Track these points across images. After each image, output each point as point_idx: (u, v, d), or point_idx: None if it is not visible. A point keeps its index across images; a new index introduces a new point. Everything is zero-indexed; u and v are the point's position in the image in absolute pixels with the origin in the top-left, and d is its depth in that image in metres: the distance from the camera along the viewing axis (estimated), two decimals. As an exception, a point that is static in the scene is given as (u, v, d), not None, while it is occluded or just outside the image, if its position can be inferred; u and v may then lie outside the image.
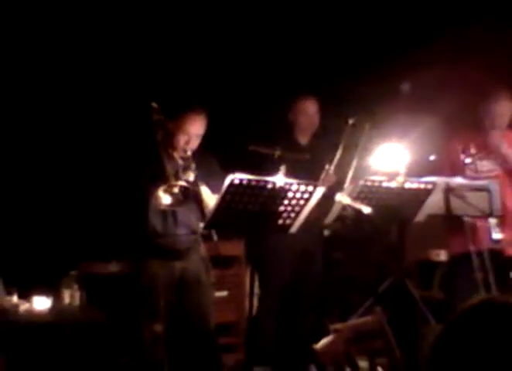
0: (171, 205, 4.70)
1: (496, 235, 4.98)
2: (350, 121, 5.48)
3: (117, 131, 5.88)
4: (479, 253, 5.16)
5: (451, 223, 5.33)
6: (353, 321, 4.27)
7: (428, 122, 5.74)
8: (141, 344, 4.91)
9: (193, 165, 4.82)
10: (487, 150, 5.38)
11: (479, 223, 5.20)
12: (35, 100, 5.82)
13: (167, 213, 4.87)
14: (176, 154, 4.93)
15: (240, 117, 6.31)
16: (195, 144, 4.94)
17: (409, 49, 6.26)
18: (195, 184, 4.79)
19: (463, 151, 5.36)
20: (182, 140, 4.90)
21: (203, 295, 5.06)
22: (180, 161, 4.91)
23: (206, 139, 4.96)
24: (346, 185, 5.20)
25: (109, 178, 5.22)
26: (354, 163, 5.39)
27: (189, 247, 4.98)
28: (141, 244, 4.96)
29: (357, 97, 6.23)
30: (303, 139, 5.82)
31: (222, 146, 5.25)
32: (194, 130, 4.92)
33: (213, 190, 4.82)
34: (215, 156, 5.10)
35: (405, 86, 6.36)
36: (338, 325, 3.92)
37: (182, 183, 4.67)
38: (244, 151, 5.15)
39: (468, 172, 5.35)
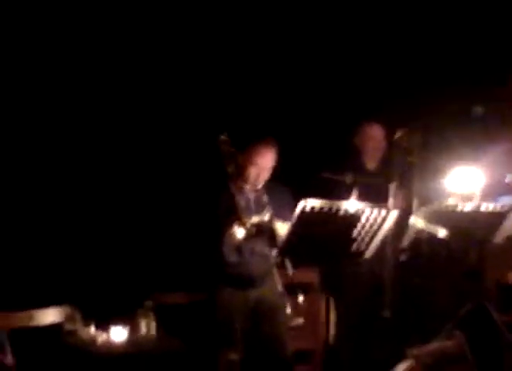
0: (244, 239, 4.73)
1: None
2: (398, 134, 5.41)
3: (189, 162, 5.92)
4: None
5: None
6: (432, 346, 4.18)
7: (502, 143, 5.64)
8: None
9: (265, 198, 4.82)
10: None
11: None
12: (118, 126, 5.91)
13: (241, 244, 4.87)
14: (248, 187, 4.94)
15: (307, 144, 6.30)
16: (266, 176, 4.93)
17: (480, 72, 6.19)
18: (270, 222, 4.79)
19: None
20: (253, 173, 4.90)
21: (279, 323, 5.03)
22: (252, 194, 4.93)
23: (276, 167, 4.95)
24: (421, 208, 5.13)
25: (184, 210, 5.25)
26: (419, 180, 5.32)
27: (264, 276, 4.97)
28: (216, 274, 4.97)
29: (430, 120, 6.17)
30: (371, 164, 5.78)
31: (291, 174, 5.23)
32: (265, 162, 4.90)
33: (286, 220, 4.77)
34: (286, 186, 5.10)
35: (478, 109, 6.27)
36: (416, 350, 3.85)
37: (255, 219, 4.69)
38: (315, 178, 5.13)
39: None
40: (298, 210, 4.27)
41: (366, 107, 6.36)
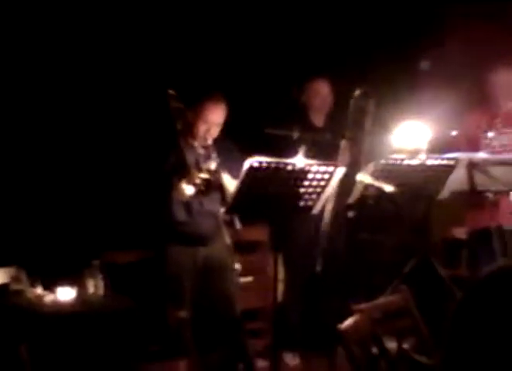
0: (194, 196, 4.69)
1: None
2: (356, 92, 5.41)
3: (136, 118, 5.85)
4: (500, 230, 5.11)
5: (471, 200, 5.28)
6: (378, 301, 4.21)
7: (448, 98, 5.68)
8: (167, 330, 4.90)
9: (214, 154, 4.79)
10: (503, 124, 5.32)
11: (502, 199, 5.15)
12: (52, 84, 5.79)
13: (190, 201, 4.85)
14: (197, 143, 4.90)
15: (254, 101, 6.26)
16: (215, 132, 4.90)
17: (429, 26, 6.20)
18: (217, 173, 4.76)
19: (488, 125, 5.31)
20: (202, 129, 4.86)
21: (228, 281, 5.04)
22: (201, 150, 4.90)
23: (225, 125, 4.91)
24: (368, 164, 5.15)
25: (131, 167, 5.20)
26: (368, 137, 5.34)
27: (213, 234, 4.96)
28: (165, 232, 4.96)
29: (377, 75, 6.18)
30: (318, 121, 5.77)
31: (238, 131, 5.20)
32: (214, 118, 4.87)
33: (235, 176, 4.78)
34: (234, 142, 5.06)
35: (425, 64, 6.30)
36: (363, 305, 3.88)
37: (204, 175, 4.65)
38: (261, 134, 5.11)
39: (484, 147, 5.29)
40: (245, 167, 4.26)
41: (314, 63, 6.35)
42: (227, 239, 4.84)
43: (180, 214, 4.88)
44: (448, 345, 1.74)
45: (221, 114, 4.89)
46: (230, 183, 4.78)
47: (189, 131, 4.89)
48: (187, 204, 4.85)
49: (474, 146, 5.26)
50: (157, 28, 6.06)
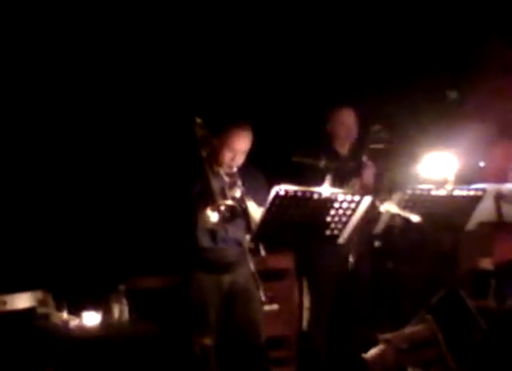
0: (218, 223, 4.70)
1: None
2: (373, 128, 5.43)
3: (164, 145, 5.89)
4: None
5: (498, 231, 5.26)
6: (404, 331, 4.20)
7: (477, 129, 5.67)
8: (191, 358, 4.90)
9: (239, 181, 4.81)
10: None
11: None
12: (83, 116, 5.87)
13: (215, 228, 4.86)
14: (222, 171, 4.92)
15: (281, 129, 6.29)
16: (240, 160, 4.92)
17: (459, 56, 6.20)
18: (241, 200, 4.78)
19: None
20: (227, 156, 4.88)
21: (253, 308, 5.03)
22: (226, 178, 4.90)
23: (251, 151, 4.93)
24: (395, 193, 5.14)
25: (157, 194, 5.23)
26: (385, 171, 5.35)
27: (237, 261, 4.96)
28: (190, 258, 4.97)
29: (405, 105, 6.19)
30: (343, 149, 5.75)
31: (265, 158, 5.22)
32: (240, 146, 4.89)
33: (260, 204, 4.79)
34: (260, 170, 5.08)
35: (453, 93, 6.29)
36: (388, 335, 3.87)
37: (228, 203, 4.67)
38: (288, 162, 5.12)
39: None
40: (271, 195, 4.28)
41: (339, 93, 6.36)
42: (252, 267, 4.84)
43: (205, 241, 4.89)
44: None
45: (247, 141, 4.90)
46: (256, 211, 4.79)
47: (215, 158, 4.91)
48: (212, 231, 4.87)
49: (502, 177, 5.24)
50: (186, 56, 6.11)
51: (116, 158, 5.93)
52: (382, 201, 4.80)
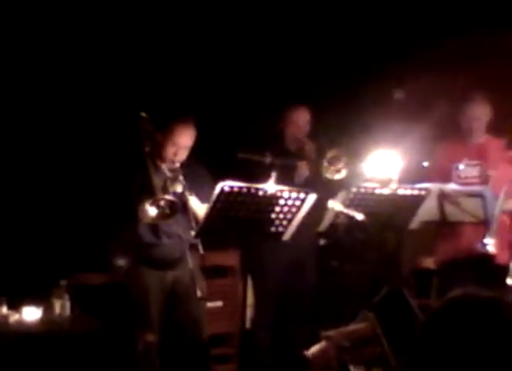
0: (157, 218, 4.65)
1: (488, 241, 4.93)
2: (328, 155, 5.45)
3: (104, 139, 5.83)
4: (469, 260, 5.14)
5: (440, 230, 5.32)
6: (346, 328, 4.22)
7: (421, 128, 5.72)
8: (133, 354, 4.87)
9: (181, 177, 4.78)
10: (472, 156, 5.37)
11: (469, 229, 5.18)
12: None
13: (158, 224, 4.82)
14: (164, 166, 4.90)
15: (229, 125, 6.28)
16: (183, 155, 4.90)
17: (403, 57, 6.25)
18: (183, 195, 4.75)
19: (459, 157, 5.36)
20: (170, 151, 4.86)
21: (195, 306, 5.01)
22: (168, 173, 4.88)
23: (195, 147, 4.91)
24: (340, 192, 5.16)
25: (99, 189, 5.18)
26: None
27: (181, 257, 4.93)
28: (132, 254, 4.93)
29: (350, 104, 6.22)
30: (292, 146, 5.76)
31: (211, 154, 5.21)
32: (183, 141, 4.87)
33: (205, 201, 4.79)
34: (205, 165, 5.06)
35: (399, 94, 6.34)
36: (330, 332, 3.88)
37: (168, 197, 4.63)
38: (233, 158, 5.11)
39: (455, 179, 5.33)
40: (216, 191, 4.26)
41: (287, 90, 6.37)
42: (191, 263, 4.80)
43: (147, 236, 4.85)
44: (409, 367, 1.75)
45: (190, 137, 4.89)
46: (199, 207, 4.78)
47: (158, 153, 4.89)
48: (154, 226, 4.83)
49: (445, 177, 5.30)
50: (133, 51, 6.06)
51: (57, 152, 5.85)
52: None
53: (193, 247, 4.77)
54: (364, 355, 4.17)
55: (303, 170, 5.48)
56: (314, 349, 3.61)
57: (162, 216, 4.62)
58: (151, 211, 4.59)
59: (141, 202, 4.62)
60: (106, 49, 5.99)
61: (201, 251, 4.65)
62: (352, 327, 4.35)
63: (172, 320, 5.00)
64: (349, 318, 5.15)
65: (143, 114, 4.83)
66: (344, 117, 6.10)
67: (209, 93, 6.27)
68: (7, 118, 5.73)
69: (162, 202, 4.60)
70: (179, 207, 4.67)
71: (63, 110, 5.88)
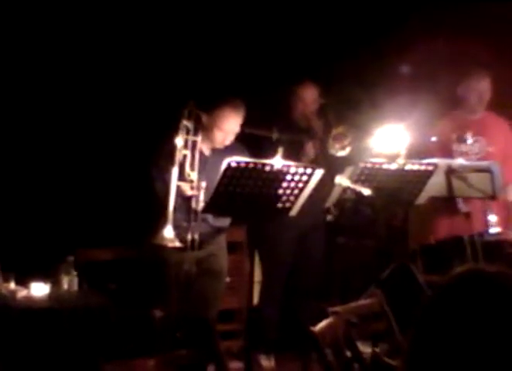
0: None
1: (494, 229, 4.95)
2: (335, 131, 5.44)
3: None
4: (471, 239, 5.15)
5: (446, 206, 5.32)
6: (353, 304, 4.21)
7: (428, 103, 5.68)
8: (139, 328, 4.91)
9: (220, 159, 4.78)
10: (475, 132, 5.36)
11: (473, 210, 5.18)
12: (49, 86, 5.78)
13: (183, 204, 4.83)
14: (205, 146, 4.94)
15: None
16: (231, 139, 4.93)
17: (408, 29, 6.21)
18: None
19: (458, 138, 5.36)
20: (219, 137, 4.88)
21: (214, 285, 5.03)
22: (207, 152, 4.95)
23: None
24: (347, 167, 5.15)
25: (112, 166, 5.18)
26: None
27: (205, 238, 4.92)
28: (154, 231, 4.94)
29: (357, 78, 6.19)
30: (300, 122, 5.75)
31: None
32: (231, 127, 4.88)
33: None
34: (245, 147, 5.07)
35: (405, 68, 6.30)
36: (337, 308, 3.88)
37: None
38: (240, 134, 5.09)
39: (456, 154, 5.32)
40: (223, 167, 4.26)
41: (293, 67, 6.33)
42: (216, 247, 4.83)
43: (182, 213, 4.85)
44: (414, 343, 1.74)
45: (237, 121, 4.89)
46: None
47: (207, 137, 4.90)
48: (180, 207, 4.82)
49: (446, 152, 5.29)
50: (177, 38, 6.06)
51: (70, 126, 5.85)
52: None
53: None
54: (371, 331, 4.17)
55: (309, 150, 5.48)
56: (321, 325, 3.60)
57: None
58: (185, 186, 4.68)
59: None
60: (149, 35, 5.98)
61: None
62: (359, 303, 4.35)
63: (187, 297, 5.04)
64: (357, 294, 5.16)
65: (191, 103, 4.81)
66: (351, 93, 6.06)
67: (218, 70, 6.23)
68: (26, 96, 5.72)
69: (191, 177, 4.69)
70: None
71: (96, 93, 5.87)
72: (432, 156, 5.12)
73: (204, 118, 4.85)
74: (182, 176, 4.70)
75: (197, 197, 4.73)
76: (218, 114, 4.85)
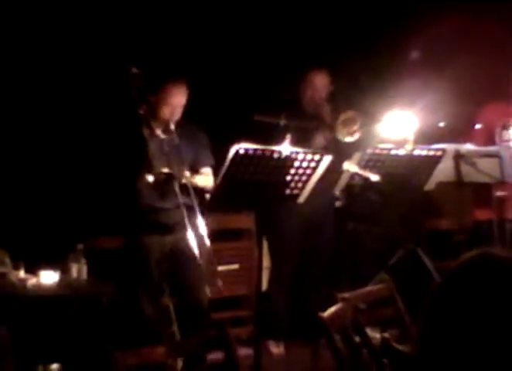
0: (154, 185, 4.75)
1: None
2: (341, 117, 5.43)
3: (100, 104, 5.82)
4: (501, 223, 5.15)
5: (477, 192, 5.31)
6: (362, 290, 4.21)
7: (437, 88, 5.66)
8: (146, 316, 4.92)
9: (177, 139, 4.85)
10: None
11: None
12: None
13: (152, 190, 4.87)
14: (158, 129, 4.96)
15: (246, 87, 6.24)
16: (178, 114, 4.97)
17: (417, 14, 6.18)
18: (190, 183, 4.80)
19: (504, 125, 5.35)
20: (166, 111, 4.92)
21: (191, 270, 5.03)
22: (162, 135, 4.95)
23: (208, 109, 4.93)
24: (355, 153, 5.14)
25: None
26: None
27: (179, 223, 4.93)
28: (134, 219, 4.98)
29: (365, 64, 6.17)
30: (309, 109, 5.74)
31: (227, 116, 5.19)
32: (178, 101, 4.94)
33: (204, 162, 4.95)
34: (199, 125, 5.10)
35: (415, 53, 6.28)
36: (346, 294, 3.87)
37: (165, 170, 4.73)
38: (249, 120, 5.08)
39: (499, 142, 5.32)
40: (231, 153, 4.24)
41: (303, 53, 6.32)
42: (190, 229, 4.84)
43: (149, 198, 4.89)
44: (425, 328, 1.74)
45: (183, 95, 4.96)
46: (205, 180, 4.90)
47: (153, 114, 4.93)
48: (151, 191, 4.87)
49: (490, 139, 5.29)
50: (130, 10, 6.01)
51: (70, 118, 5.84)
52: None
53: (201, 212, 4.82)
54: (380, 317, 4.16)
55: (318, 137, 5.47)
56: (330, 311, 3.59)
57: (159, 184, 4.74)
58: (150, 178, 4.69)
59: (140, 170, 4.70)
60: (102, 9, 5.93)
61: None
62: (368, 288, 4.34)
63: (176, 283, 5.06)
64: (366, 280, 5.16)
65: (134, 70, 4.83)
66: (360, 78, 6.04)
67: (228, 55, 6.22)
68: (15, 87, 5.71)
69: (157, 170, 4.70)
70: (174, 181, 4.73)
71: (60, 74, 5.83)
72: (477, 143, 5.12)
73: (151, 98, 4.91)
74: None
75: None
76: (164, 89, 4.92)
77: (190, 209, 4.82)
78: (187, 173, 4.81)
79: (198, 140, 4.98)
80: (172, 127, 4.89)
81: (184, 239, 4.91)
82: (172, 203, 4.91)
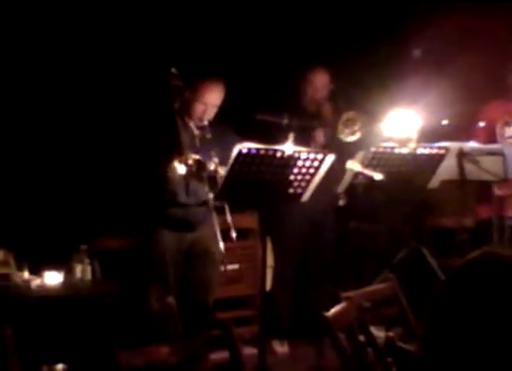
0: (185, 176, 4.69)
1: None
2: (344, 116, 5.43)
3: (133, 97, 5.81)
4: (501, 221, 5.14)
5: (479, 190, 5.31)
6: (366, 289, 4.21)
7: (439, 86, 5.66)
8: (151, 315, 4.92)
9: (209, 135, 4.82)
10: None
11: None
12: (40, 68, 5.76)
13: (179, 184, 4.85)
14: (192, 124, 4.95)
15: (247, 86, 6.24)
16: (212, 113, 4.95)
17: (419, 12, 6.18)
18: (216, 172, 4.75)
19: (506, 123, 5.35)
20: (199, 109, 4.90)
21: (208, 269, 5.04)
22: (196, 131, 4.93)
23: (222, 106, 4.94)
24: (358, 152, 5.14)
25: (123, 151, 5.18)
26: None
27: (202, 220, 4.94)
28: (153, 215, 4.96)
29: (368, 63, 6.16)
30: (311, 107, 5.74)
31: (229, 116, 5.19)
32: (212, 99, 4.92)
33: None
34: (233, 127, 5.08)
35: (417, 52, 6.28)
36: (350, 293, 3.87)
37: (196, 157, 4.66)
38: (251, 120, 5.09)
39: (500, 140, 5.32)
40: (234, 154, 4.25)
41: (303, 51, 6.32)
42: (215, 227, 4.81)
43: (181, 194, 4.87)
44: (429, 327, 1.74)
45: (219, 95, 4.94)
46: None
47: (186, 110, 4.93)
48: (185, 186, 4.85)
49: (493, 137, 5.29)
50: (164, 8, 6.03)
51: (80, 114, 5.84)
52: None
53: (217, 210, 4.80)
54: (384, 316, 4.17)
55: (320, 136, 5.48)
56: (334, 310, 3.59)
57: (189, 174, 4.66)
58: (180, 169, 4.64)
59: (170, 159, 4.65)
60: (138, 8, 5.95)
61: (228, 218, 4.67)
62: (372, 287, 4.34)
63: (186, 281, 5.05)
64: (369, 279, 5.16)
65: (173, 70, 4.84)
66: (362, 77, 6.04)
67: (229, 55, 6.22)
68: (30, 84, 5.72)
69: (190, 161, 4.63)
70: (207, 168, 4.69)
71: (91, 67, 5.84)
72: (480, 141, 5.12)
73: (186, 94, 4.91)
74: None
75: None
76: (200, 87, 4.91)
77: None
78: (216, 159, 4.76)
79: (228, 141, 4.92)
80: (205, 123, 4.88)
81: (203, 238, 4.93)
82: (196, 199, 4.91)
